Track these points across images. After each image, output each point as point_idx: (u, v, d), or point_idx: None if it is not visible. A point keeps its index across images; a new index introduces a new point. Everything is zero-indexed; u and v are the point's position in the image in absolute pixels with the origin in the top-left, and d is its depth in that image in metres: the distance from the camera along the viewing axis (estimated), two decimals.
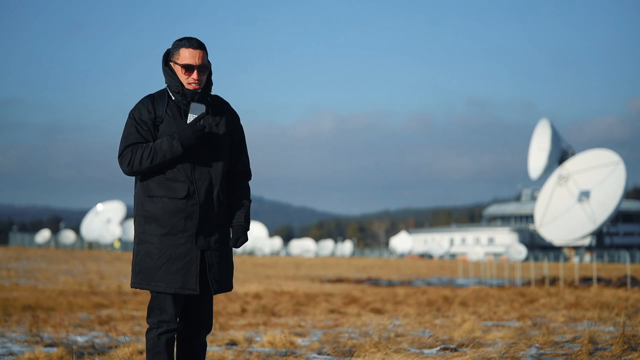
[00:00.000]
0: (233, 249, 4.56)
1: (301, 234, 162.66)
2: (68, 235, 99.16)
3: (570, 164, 76.93)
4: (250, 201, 4.57)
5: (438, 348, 7.90)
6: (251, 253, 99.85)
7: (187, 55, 4.38)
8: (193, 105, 4.41)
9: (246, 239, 4.50)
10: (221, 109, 4.53)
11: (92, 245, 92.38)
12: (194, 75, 4.39)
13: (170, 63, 4.45)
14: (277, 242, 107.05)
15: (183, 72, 4.40)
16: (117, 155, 4.40)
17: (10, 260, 48.28)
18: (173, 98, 4.45)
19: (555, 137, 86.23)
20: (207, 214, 4.40)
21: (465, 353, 6.99)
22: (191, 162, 4.39)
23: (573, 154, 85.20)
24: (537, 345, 8.27)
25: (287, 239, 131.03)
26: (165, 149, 4.31)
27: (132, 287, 4.45)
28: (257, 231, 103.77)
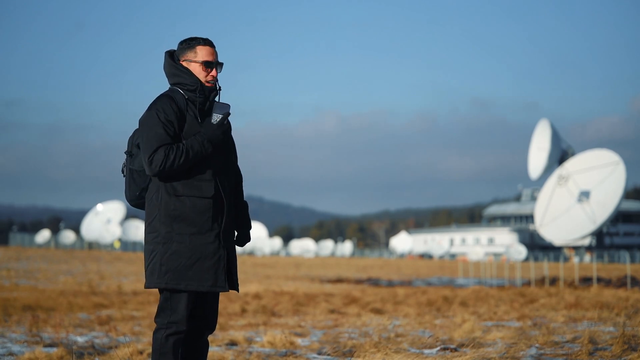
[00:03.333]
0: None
1: (301, 234, 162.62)
2: (68, 236, 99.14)
3: (570, 164, 76.93)
4: (246, 203, 4.69)
5: (438, 348, 7.90)
6: (251, 253, 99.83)
7: (205, 53, 4.45)
8: (217, 104, 4.44)
9: (250, 238, 4.62)
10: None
11: (92, 246, 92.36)
12: (213, 72, 4.46)
13: (183, 62, 4.47)
14: (277, 242, 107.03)
15: (202, 69, 4.44)
16: (146, 156, 4.33)
17: (10, 260, 48.27)
18: (187, 97, 4.46)
19: (555, 137, 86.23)
20: (230, 213, 4.48)
21: (465, 353, 6.99)
22: (215, 161, 4.44)
23: (573, 154, 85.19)
24: (537, 345, 8.27)
25: (287, 239, 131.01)
26: (197, 150, 4.34)
27: (155, 287, 4.38)
28: (257, 231, 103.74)
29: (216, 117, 4.40)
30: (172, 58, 4.50)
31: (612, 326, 10.65)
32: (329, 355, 7.95)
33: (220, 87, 4.51)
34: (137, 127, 4.48)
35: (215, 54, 4.47)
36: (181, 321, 4.38)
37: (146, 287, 4.43)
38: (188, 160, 4.32)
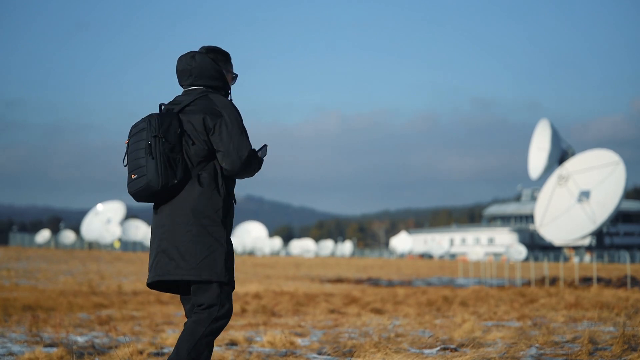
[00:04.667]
0: None
1: (301, 234, 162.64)
2: (68, 235, 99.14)
3: (570, 164, 76.92)
4: None
5: (438, 348, 7.89)
6: (251, 253, 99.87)
7: (233, 67, 4.87)
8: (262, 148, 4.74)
9: None
10: None
11: (92, 245, 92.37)
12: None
13: (222, 70, 4.76)
14: (277, 242, 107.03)
15: (231, 80, 4.81)
16: (242, 153, 4.50)
17: (10, 260, 48.27)
18: None
19: (555, 137, 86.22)
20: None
21: (465, 353, 6.99)
22: None
23: (573, 154, 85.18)
24: (537, 345, 8.27)
25: (287, 239, 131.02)
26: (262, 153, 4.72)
27: (226, 280, 4.54)
28: (257, 231, 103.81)
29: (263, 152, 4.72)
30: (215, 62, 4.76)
31: (612, 326, 10.65)
32: (329, 355, 7.95)
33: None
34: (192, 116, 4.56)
35: None
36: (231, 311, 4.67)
37: (205, 279, 4.47)
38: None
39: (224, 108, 4.55)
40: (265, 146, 4.73)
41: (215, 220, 4.50)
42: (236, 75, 4.85)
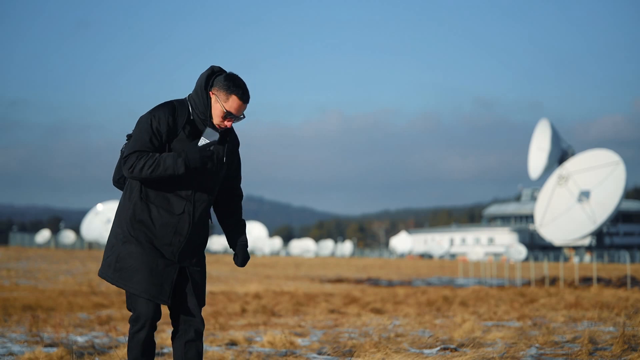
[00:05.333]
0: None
1: (301, 234, 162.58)
2: (68, 235, 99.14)
3: (570, 164, 76.95)
4: (244, 221, 4.84)
5: (438, 348, 7.89)
6: (251, 253, 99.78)
7: (235, 106, 4.46)
8: (208, 130, 4.47)
9: (249, 257, 4.75)
10: (228, 136, 4.63)
11: (92, 245, 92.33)
12: (228, 123, 4.50)
13: (212, 93, 4.47)
14: (277, 242, 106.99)
15: (221, 114, 4.46)
16: (123, 155, 4.49)
17: (10, 260, 48.27)
18: (192, 117, 4.51)
19: (556, 137, 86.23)
20: (195, 234, 4.56)
21: (465, 353, 6.99)
22: (195, 183, 4.51)
23: (573, 154, 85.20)
24: (537, 345, 8.27)
25: (287, 239, 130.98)
26: (168, 165, 4.38)
27: (102, 277, 4.56)
28: (257, 231, 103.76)
29: (203, 141, 4.45)
30: (208, 80, 4.50)
31: (612, 326, 10.65)
32: (329, 355, 7.95)
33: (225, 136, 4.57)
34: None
35: (243, 109, 4.48)
36: (141, 320, 4.50)
37: (99, 275, 4.59)
38: (156, 173, 4.38)
39: (148, 111, 4.55)
40: (211, 135, 4.48)
41: (121, 222, 4.53)
42: (234, 116, 4.47)
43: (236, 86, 4.43)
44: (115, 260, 4.50)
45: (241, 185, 4.79)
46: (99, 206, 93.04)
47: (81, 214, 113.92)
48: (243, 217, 4.82)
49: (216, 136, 4.45)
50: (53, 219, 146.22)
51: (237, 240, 4.72)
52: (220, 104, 4.43)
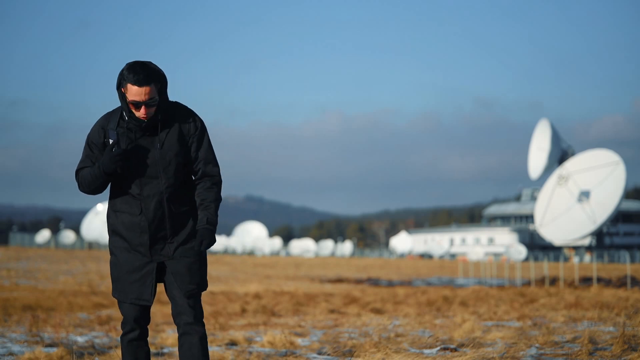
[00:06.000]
0: (207, 251, 4.62)
1: (301, 234, 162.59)
2: (68, 235, 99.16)
3: (570, 164, 76.95)
4: (215, 200, 4.54)
5: (438, 348, 7.89)
6: (251, 253, 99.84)
7: (133, 92, 4.34)
8: (110, 132, 4.46)
9: (210, 241, 4.48)
10: (171, 121, 4.51)
11: (92, 245, 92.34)
12: (142, 111, 4.39)
13: (123, 90, 4.41)
14: (277, 242, 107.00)
15: (132, 107, 4.39)
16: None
17: (10, 260, 48.28)
18: (126, 119, 4.46)
19: (556, 137, 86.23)
20: (158, 228, 4.50)
21: (465, 353, 6.99)
22: (140, 179, 4.49)
23: (573, 154, 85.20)
24: (537, 345, 8.27)
25: (287, 239, 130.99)
26: (94, 174, 4.46)
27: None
28: (257, 231, 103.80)
29: (111, 143, 4.50)
30: (119, 79, 4.42)
31: (612, 326, 10.65)
32: (329, 355, 7.95)
33: (151, 118, 4.44)
34: None
35: (145, 92, 4.33)
36: (128, 323, 4.59)
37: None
38: (93, 184, 4.47)
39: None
40: (112, 136, 4.46)
41: (109, 235, 4.66)
42: (140, 103, 4.35)
43: (129, 72, 4.33)
44: (110, 274, 4.67)
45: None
46: (99, 206, 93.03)
47: (81, 214, 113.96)
48: (220, 199, 4.57)
49: (114, 135, 4.44)
50: (53, 219, 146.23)
51: (198, 223, 4.50)
52: (125, 98, 4.41)
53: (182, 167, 4.53)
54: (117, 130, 4.46)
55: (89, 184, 4.47)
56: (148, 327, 4.70)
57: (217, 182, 4.57)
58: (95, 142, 4.49)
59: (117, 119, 4.49)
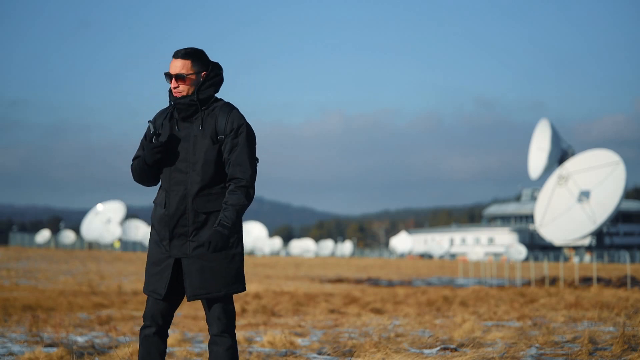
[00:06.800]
0: (232, 254, 4.51)
1: (301, 234, 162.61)
2: (68, 235, 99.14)
3: (570, 164, 76.94)
4: (235, 205, 4.45)
5: (438, 348, 7.89)
6: (251, 253, 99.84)
7: (170, 65, 4.56)
8: (150, 123, 4.60)
9: (218, 243, 4.42)
10: (211, 118, 4.53)
11: (92, 245, 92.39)
12: (173, 82, 4.54)
13: None
14: (277, 242, 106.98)
15: (166, 77, 4.59)
16: None
17: (10, 260, 48.29)
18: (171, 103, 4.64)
19: (556, 137, 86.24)
20: (179, 223, 4.51)
21: (465, 353, 6.99)
22: (171, 173, 4.55)
23: (573, 154, 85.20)
24: (537, 345, 8.27)
25: (287, 239, 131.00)
26: (140, 165, 4.59)
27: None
28: (257, 231, 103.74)
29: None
30: None
31: (612, 326, 10.66)
32: (329, 355, 7.95)
33: (187, 97, 4.53)
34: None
35: (176, 65, 4.52)
36: (147, 318, 4.62)
37: None
38: (139, 175, 4.61)
39: None
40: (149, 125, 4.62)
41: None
42: (170, 75, 4.58)
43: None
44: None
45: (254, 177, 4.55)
46: (99, 206, 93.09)
47: (81, 214, 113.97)
48: (242, 204, 4.46)
49: (151, 127, 4.59)
50: (53, 219, 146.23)
51: (215, 223, 4.48)
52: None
53: (213, 165, 4.50)
54: (159, 122, 4.61)
55: (138, 174, 4.61)
56: (168, 327, 4.65)
57: (241, 186, 4.48)
58: (147, 133, 4.61)
59: (168, 111, 4.64)
